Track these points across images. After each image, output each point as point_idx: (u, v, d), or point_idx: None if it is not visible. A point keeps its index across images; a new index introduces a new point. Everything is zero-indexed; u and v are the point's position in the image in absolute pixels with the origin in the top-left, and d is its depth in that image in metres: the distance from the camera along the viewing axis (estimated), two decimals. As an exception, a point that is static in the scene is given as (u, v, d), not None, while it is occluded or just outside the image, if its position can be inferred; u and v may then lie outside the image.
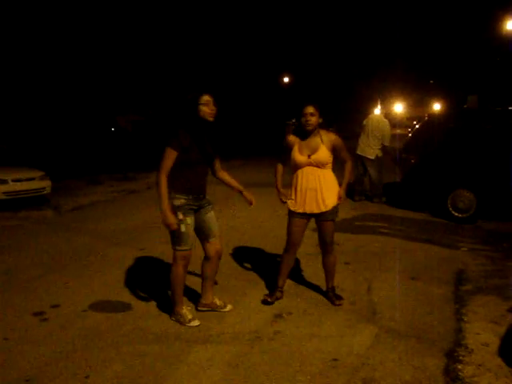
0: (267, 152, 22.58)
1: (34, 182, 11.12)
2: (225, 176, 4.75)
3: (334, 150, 4.80)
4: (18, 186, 10.78)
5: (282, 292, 5.10)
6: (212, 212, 4.58)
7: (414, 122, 18.99)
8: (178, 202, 4.27)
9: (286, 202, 4.93)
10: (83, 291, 5.41)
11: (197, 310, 4.79)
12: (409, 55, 52.20)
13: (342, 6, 47.81)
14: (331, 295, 5.04)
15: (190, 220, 4.33)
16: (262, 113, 39.90)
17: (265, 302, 4.97)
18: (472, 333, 4.28)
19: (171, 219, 4.20)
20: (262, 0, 40.31)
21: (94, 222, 9.16)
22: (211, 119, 4.30)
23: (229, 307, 4.82)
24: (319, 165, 4.71)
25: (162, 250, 7.01)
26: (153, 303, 5.02)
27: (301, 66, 44.78)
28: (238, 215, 9.27)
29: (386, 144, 10.59)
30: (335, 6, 47.33)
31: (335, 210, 4.82)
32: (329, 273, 5.07)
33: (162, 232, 7.95)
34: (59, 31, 27.22)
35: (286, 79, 46.81)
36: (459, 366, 3.71)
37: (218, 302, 4.81)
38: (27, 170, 11.43)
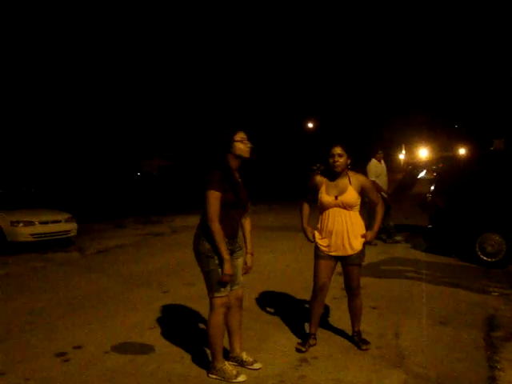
0: (292, 197, 22.60)
1: (61, 225, 11.26)
2: (246, 225, 4.51)
3: (363, 192, 4.69)
4: (45, 228, 10.93)
5: (315, 339, 4.92)
6: (241, 258, 4.35)
7: (440, 166, 18.87)
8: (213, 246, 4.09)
9: (314, 241, 4.80)
10: (106, 332, 5.36)
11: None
12: (434, 100, 52.35)
13: (366, 52, 48.44)
14: (357, 340, 4.91)
15: (230, 262, 4.09)
16: (287, 158, 40.13)
17: (298, 351, 4.76)
18: (506, 381, 4.11)
19: (231, 270, 4.02)
20: (288, 46, 41.04)
21: (118, 265, 9.18)
22: (247, 156, 4.15)
23: (257, 365, 4.39)
24: (346, 206, 4.60)
25: (185, 292, 6.98)
26: (176, 346, 4.95)
27: (326, 111, 45.15)
28: (263, 257, 9.20)
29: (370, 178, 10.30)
30: (360, 52, 47.93)
31: (362, 253, 4.71)
32: (355, 316, 4.94)
33: (186, 275, 7.99)
34: (87, 77, 28.00)
35: (310, 124, 47.22)
36: (493, 415, 3.55)
37: (244, 357, 4.44)
38: (54, 213, 11.60)
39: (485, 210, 8.75)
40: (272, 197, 23.19)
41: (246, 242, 4.47)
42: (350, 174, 4.69)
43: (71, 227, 11.49)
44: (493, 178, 9.03)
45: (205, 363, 4.39)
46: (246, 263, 4.39)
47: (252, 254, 4.45)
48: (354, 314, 4.93)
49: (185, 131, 34.93)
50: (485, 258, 8.62)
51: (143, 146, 33.88)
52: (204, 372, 4.28)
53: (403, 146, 72.22)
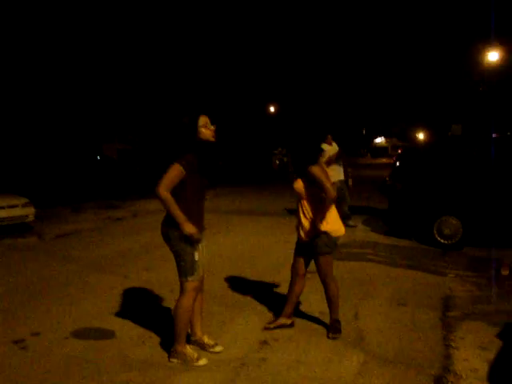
0: (255, 181, 22.68)
1: (17, 209, 10.99)
2: None
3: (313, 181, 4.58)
4: (1, 213, 10.64)
5: (290, 318, 4.98)
6: (204, 242, 4.34)
7: (399, 151, 19.27)
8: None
9: None
10: (65, 318, 5.29)
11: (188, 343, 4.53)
12: (393, 85, 53.00)
13: (327, 36, 48.62)
14: (331, 326, 4.78)
15: (201, 247, 4.17)
16: (249, 141, 40.12)
17: (267, 329, 4.88)
18: (460, 359, 4.23)
19: (193, 228, 3.98)
20: (248, 29, 40.82)
21: (78, 250, 9.04)
22: (213, 139, 4.15)
23: (218, 348, 4.43)
24: (299, 195, 4.71)
25: (146, 277, 6.94)
26: (136, 330, 4.92)
27: (287, 95, 45.23)
28: (227, 241, 9.21)
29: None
30: (321, 36, 48.09)
31: (323, 243, 4.62)
32: (332, 304, 4.81)
33: (147, 259, 7.94)
34: (46, 52, 27.20)
35: (272, 108, 47.27)
36: (448, 393, 3.66)
37: (206, 340, 4.47)
38: (10, 197, 11.29)
39: (442, 194, 8.94)
40: (235, 181, 23.17)
41: None
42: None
43: (29, 212, 11.23)
44: (450, 163, 9.23)
45: (166, 347, 4.38)
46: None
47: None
48: (328, 303, 4.83)
49: (146, 114, 34.44)
50: (442, 241, 8.82)
51: (104, 129, 33.29)
52: (165, 356, 4.27)
53: (363, 131, 73.08)
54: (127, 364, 4.16)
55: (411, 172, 9.67)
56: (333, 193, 4.53)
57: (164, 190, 3.92)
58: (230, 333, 4.86)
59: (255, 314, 5.34)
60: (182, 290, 4.13)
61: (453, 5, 44.33)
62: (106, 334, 4.84)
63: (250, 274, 7.07)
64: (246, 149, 37.49)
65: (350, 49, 51.64)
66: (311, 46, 47.39)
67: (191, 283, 4.10)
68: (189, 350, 4.19)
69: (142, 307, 5.73)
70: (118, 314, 5.40)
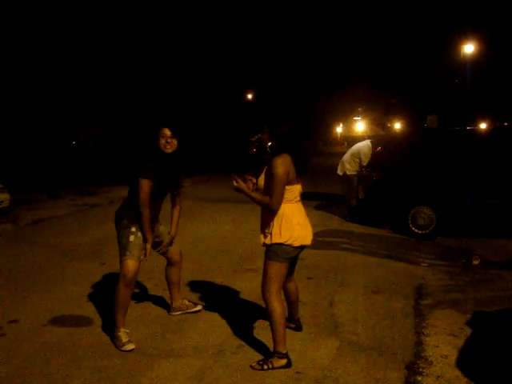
0: (232, 168, 22.63)
1: (-8, 195, 10.85)
2: (175, 212, 4.81)
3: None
4: (-25, 199, 10.51)
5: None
6: (162, 226, 4.76)
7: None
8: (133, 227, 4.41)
9: None
10: (43, 305, 5.30)
11: (170, 315, 4.98)
12: (372, 74, 53.20)
13: (305, 22, 48.39)
14: (297, 324, 4.67)
15: (140, 233, 4.39)
16: (227, 129, 40.00)
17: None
18: (431, 345, 4.37)
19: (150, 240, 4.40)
20: (225, 16, 40.51)
21: (54, 236, 9.00)
22: (168, 151, 4.36)
23: (199, 307, 5.06)
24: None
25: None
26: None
27: (265, 82, 45.15)
28: (201, 229, 9.25)
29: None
30: (299, 23, 47.84)
31: (271, 248, 4.03)
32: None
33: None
34: (20, 39, 26.75)
35: (249, 96, 47.18)
36: (419, 378, 3.78)
37: (187, 303, 5.04)
38: (-15, 183, 11.15)
39: (417, 185, 9.10)
40: (211, 169, 23.14)
41: (171, 227, 4.77)
42: (275, 158, 3.96)
43: (3, 198, 11.09)
44: (425, 153, 9.39)
45: (144, 335, 4.43)
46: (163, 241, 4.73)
47: (173, 237, 4.77)
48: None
49: (123, 99, 34.10)
50: (416, 230, 8.98)
51: (80, 114, 32.92)
52: (144, 343, 4.33)
53: (341, 120, 73.26)
54: (106, 351, 4.20)
55: (388, 162, 9.80)
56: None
57: (147, 207, 4.30)
58: (207, 320, 4.92)
59: (232, 303, 5.41)
60: (120, 274, 4.38)
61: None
62: (84, 321, 4.88)
63: (226, 260, 7.14)
64: (223, 136, 37.33)
65: (329, 35, 51.42)
66: (290, 32, 47.19)
67: (124, 263, 4.31)
68: (121, 334, 4.32)
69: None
70: (95, 301, 5.42)
